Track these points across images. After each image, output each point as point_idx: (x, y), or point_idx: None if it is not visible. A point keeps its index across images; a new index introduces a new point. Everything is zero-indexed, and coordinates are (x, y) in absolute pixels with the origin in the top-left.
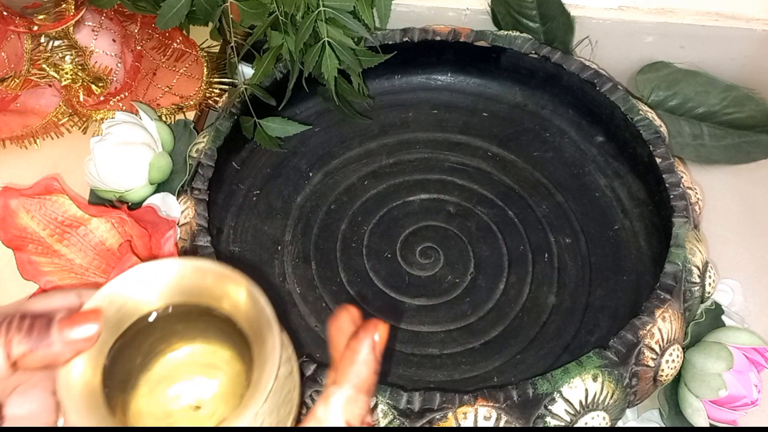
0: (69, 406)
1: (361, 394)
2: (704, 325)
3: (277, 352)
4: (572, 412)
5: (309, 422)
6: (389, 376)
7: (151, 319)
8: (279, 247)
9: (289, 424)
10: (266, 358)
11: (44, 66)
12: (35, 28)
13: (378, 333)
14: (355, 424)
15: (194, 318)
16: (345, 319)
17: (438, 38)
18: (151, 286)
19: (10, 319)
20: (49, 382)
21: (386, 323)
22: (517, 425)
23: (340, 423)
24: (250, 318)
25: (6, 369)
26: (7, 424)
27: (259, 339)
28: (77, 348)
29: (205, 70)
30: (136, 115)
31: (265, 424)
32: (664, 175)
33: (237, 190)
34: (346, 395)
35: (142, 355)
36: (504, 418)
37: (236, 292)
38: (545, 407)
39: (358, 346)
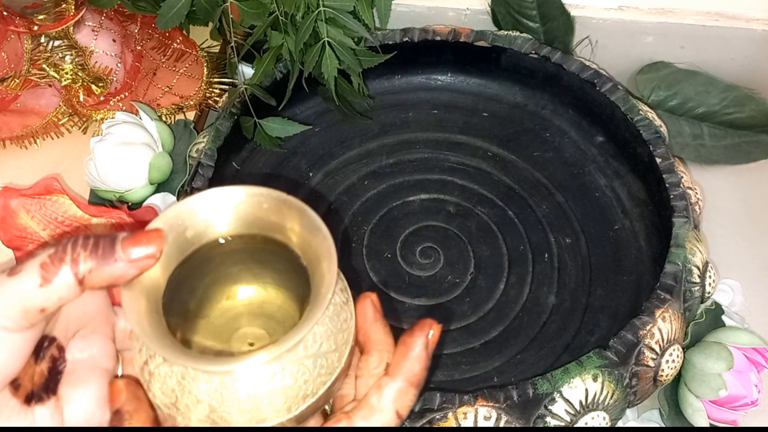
0: (135, 326)
1: (412, 387)
2: (704, 325)
3: (333, 271)
4: (572, 412)
5: (362, 408)
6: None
7: (215, 248)
8: None
9: (346, 355)
10: (323, 278)
11: (44, 66)
12: (35, 28)
13: (432, 331)
14: (404, 415)
15: (252, 256)
16: (368, 306)
17: (438, 38)
18: (214, 212)
19: (75, 238)
20: (108, 328)
21: (439, 324)
22: (517, 425)
23: (391, 412)
24: (306, 242)
25: (75, 286)
26: (69, 367)
27: (315, 263)
28: (140, 266)
29: (205, 70)
30: (136, 115)
31: (323, 349)
32: (664, 175)
33: None
34: (398, 387)
35: (201, 288)
36: (504, 418)
37: (292, 217)
38: (545, 407)
39: (413, 343)
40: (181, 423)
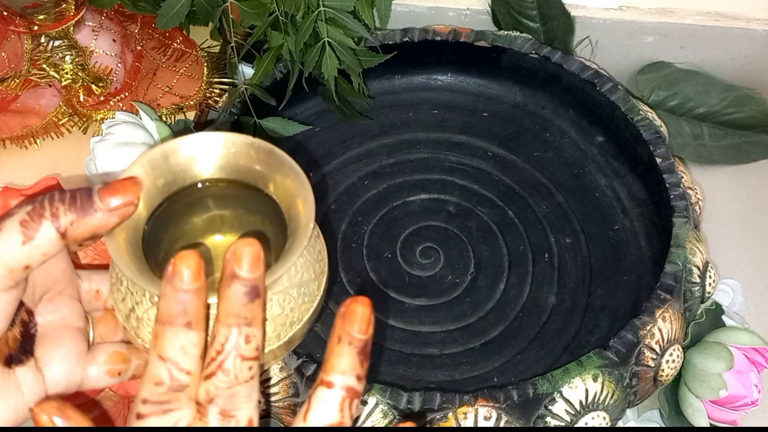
0: (125, 269)
1: (358, 384)
2: (704, 325)
3: (311, 204)
4: (572, 412)
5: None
6: (390, 376)
7: (194, 193)
8: None
9: (323, 283)
10: (300, 213)
11: (44, 66)
12: (35, 28)
13: (363, 311)
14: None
15: (227, 203)
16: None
17: (438, 38)
18: (187, 158)
19: (51, 194)
20: (74, 290)
21: (368, 301)
22: (518, 425)
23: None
24: (280, 183)
25: (57, 240)
26: (40, 330)
27: (290, 201)
28: (120, 214)
29: (205, 70)
30: (136, 115)
31: (304, 278)
32: (664, 175)
33: None
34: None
35: (177, 235)
36: (504, 418)
37: (264, 160)
38: (545, 407)
39: (345, 334)
40: None
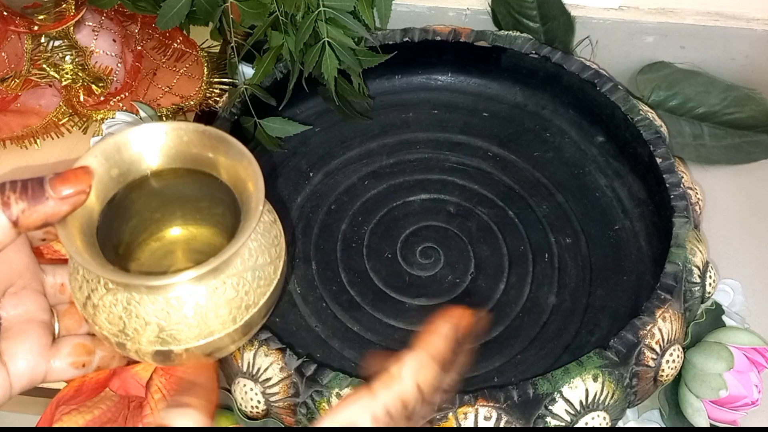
0: (75, 256)
1: (434, 362)
2: (704, 325)
3: (260, 188)
4: (572, 412)
5: (382, 379)
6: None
7: (146, 183)
8: None
9: (281, 268)
10: (250, 197)
11: (44, 66)
12: (35, 28)
13: (464, 317)
14: (426, 390)
15: (179, 193)
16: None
17: (438, 38)
18: (139, 149)
19: (1, 184)
20: (38, 283)
21: (470, 310)
22: (518, 425)
23: (410, 382)
24: (231, 169)
25: (9, 229)
26: (4, 324)
27: (241, 186)
28: (72, 202)
29: (205, 70)
30: (136, 115)
31: (259, 262)
32: (664, 175)
33: None
34: (420, 358)
35: (129, 231)
36: (504, 418)
37: (215, 147)
38: (545, 407)
39: (441, 324)
40: (131, 348)
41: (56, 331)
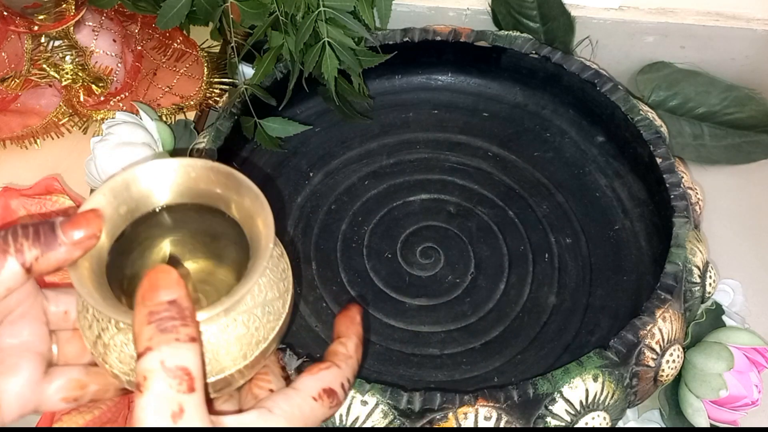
0: (87, 298)
1: (360, 342)
2: (705, 325)
3: (270, 225)
4: (573, 412)
5: (340, 356)
6: (390, 376)
7: (156, 218)
8: None
9: (288, 301)
10: (260, 233)
11: (44, 66)
12: (35, 28)
13: (359, 310)
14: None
15: (187, 228)
16: (355, 312)
17: (438, 38)
18: (148, 186)
19: (13, 228)
20: (39, 311)
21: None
22: (518, 425)
23: (357, 360)
24: (240, 204)
25: (22, 275)
26: (1, 354)
27: (250, 222)
28: (84, 247)
29: (205, 70)
30: (136, 115)
31: (269, 297)
32: (664, 175)
33: None
34: (357, 340)
35: (138, 264)
36: (504, 418)
37: (223, 183)
38: (546, 407)
39: (354, 312)
40: None
41: (55, 358)
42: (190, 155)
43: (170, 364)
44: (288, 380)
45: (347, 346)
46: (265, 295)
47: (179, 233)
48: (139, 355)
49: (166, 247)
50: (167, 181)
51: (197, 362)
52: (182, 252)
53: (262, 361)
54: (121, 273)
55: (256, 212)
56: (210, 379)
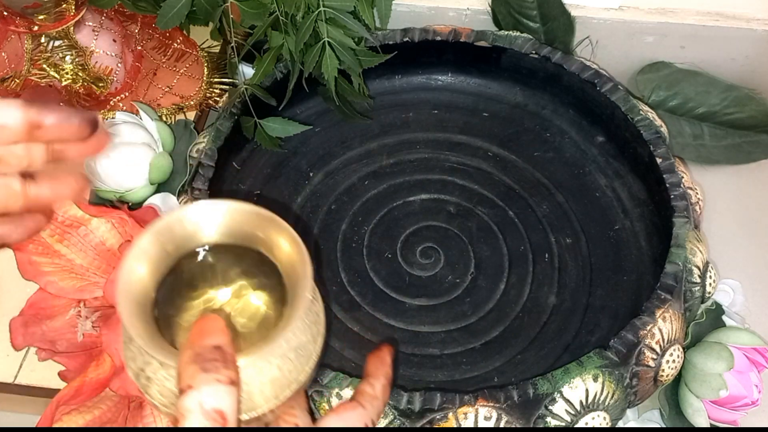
0: (137, 339)
1: (390, 385)
2: (705, 325)
3: (309, 275)
4: (573, 413)
5: (366, 397)
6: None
7: (200, 257)
8: None
9: (320, 343)
10: (298, 282)
11: (44, 66)
12: (35, 28)
13: (391, 351)
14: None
15: (230, 265)
16: (386, 354)
17: (438, 38)
18: (196, 225)
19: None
20: None
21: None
22: (518, 425)
23: (383, 402)
24: (280, 250)
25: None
26: None
27: (290, 268)
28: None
29: (205, 70)
30: (136, 115)
31: (302, 341)
32: (664, 175)
33: (237, 191)
34: (385, 382)
35: (181, 298)
36: (504, 418)
37: (266, 227)
38: (546, 407)
39: (385, 353)
40: None
41: None
42: (190, 156)
43: (208, 407)
44: (312, 415)
45: (375, 386)
46: (299, 339)
47: (220, 268)
48: (181, 391)
49: (206, 281)
50: (214, 222)
51: (233, 406)
52: (224, 289)
53: (290, 400)
54: (167, 307)
55: (295, 259)
56: (242, 417)
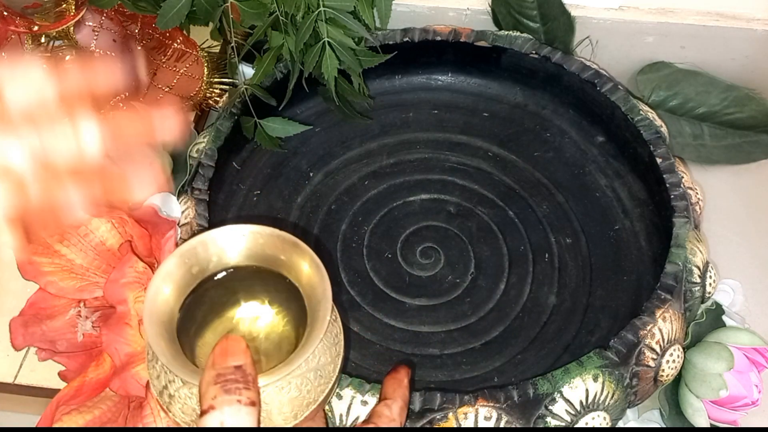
0: (161, 358)
1: (406, 405)
2: (705, 325)
3: (328, 297)
4: (573, 413)
5: (384, 420)
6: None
7: (218, 276)
8: None
9: (339, 364)
10: (319, 304)
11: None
12: (35, 28)
13: (408, 372)
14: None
15: (251, 286)
16: (403, 373)
17: (438, 38)
18: (226, 246)
19: None
20: None
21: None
22: (518, 425)
23: (400, 424)
24: (301, 272)
25: None
26: None
27: (310, 290)
28: None
29: (205, 70)
30: None
31: (321, 362)
32: (664, 175)
33: (237, 191)
34: (402, 404)
35: (204, 319)
36: (504, 419)
37: (288, 251)
38: (546, 407)
39: (402, 374)
40: None
41: None
42: (190, 156)
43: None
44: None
45: (392, 408)
46: (318, 360)
47: (243, 289)
48: (203, 412)
49: (229, 301)
50: (237, 244)
51: (254, 426)
52: (246, 309)
53: (308, 419)
54: (190, 326)
55: (316, 282)
56: None
